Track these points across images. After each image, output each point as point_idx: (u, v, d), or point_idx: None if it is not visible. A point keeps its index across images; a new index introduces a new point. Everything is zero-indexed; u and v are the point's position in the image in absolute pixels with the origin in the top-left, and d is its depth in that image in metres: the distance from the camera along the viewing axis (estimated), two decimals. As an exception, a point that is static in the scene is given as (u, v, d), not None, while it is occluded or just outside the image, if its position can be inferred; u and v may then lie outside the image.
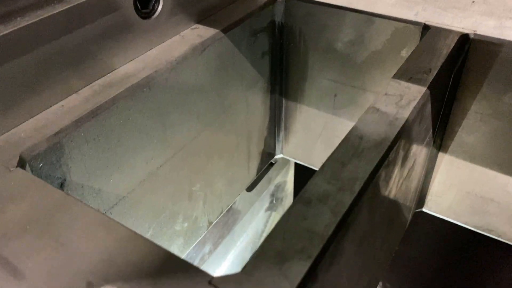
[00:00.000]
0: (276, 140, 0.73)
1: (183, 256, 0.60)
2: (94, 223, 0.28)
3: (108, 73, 0.44)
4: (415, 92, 0.40)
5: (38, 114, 0.39)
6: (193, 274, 0.25)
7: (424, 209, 0.65)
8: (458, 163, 0.58)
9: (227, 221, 0.79)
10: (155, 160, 0.49)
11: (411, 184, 0.49)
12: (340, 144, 0.34)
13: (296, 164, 0.91)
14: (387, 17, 0.53)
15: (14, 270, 0.26)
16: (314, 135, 0.69)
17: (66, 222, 0.28)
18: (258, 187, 0.79)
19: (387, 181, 0.36)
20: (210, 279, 0.24)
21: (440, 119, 0.52)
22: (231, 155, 0.63)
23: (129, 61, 0.45)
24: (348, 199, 0.29)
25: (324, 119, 0.66)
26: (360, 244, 0.34)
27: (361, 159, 0.32)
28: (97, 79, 0.43)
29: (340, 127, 0.65)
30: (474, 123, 0.54)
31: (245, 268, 0.24)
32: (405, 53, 0.54)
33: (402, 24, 0.52)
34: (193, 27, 0.52)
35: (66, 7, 0.38)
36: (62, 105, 0.40)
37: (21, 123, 0.38)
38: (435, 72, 0.42)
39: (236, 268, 0.84)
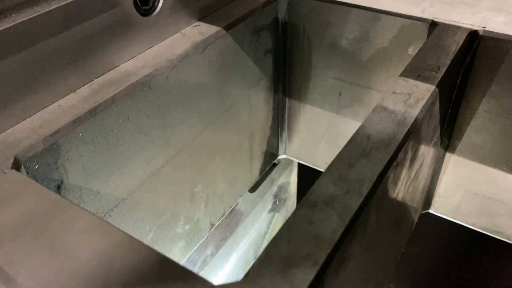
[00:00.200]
0: (279, 140, 0.72)
1: (184, 258, 0.59)
2: (90, 227, 0.27)
3: (107, 72, 0.43)
4: (423, 90, 0.38)
5: (34, 113, 0.38)
6: (193, 282, 0.24)
7: (430, 210, 0.64)
8: (466, 163, 0.57)
9: (230, 222, 0.78)
10: (156, 161, 0.48)
11: (418, 185, 0.48)
12: (347, 144, 0.33)
13: (300, 165, 0.90)
14: (393, 14, 0.52)
15: (6, 278, 0.25)
16: (318, 135, 0.68)
17: (62, 226, 0.27)
18: (261, 188, 0.78)
19: (395, 182, 0.35)
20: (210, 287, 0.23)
21: (448, 118, 0.51)
22: (233, 156, 0.62)
23: (128, 59, 0.45)
24: (355, 203, 0.28)
25: (328, 119, 0.65)
26: (367, 248, 0.33)
27: (369, 159, 0.31)
28: (96, 78, 0.42)
29: (344, 127, 0.64)
30: (482, 122, 0.53)
31: (247, 276, 0.23)
32: (412, 51, 0.53)
33: (408, 21, 0.51)
34: (194, 24, 0.51)
35: (63, 3, 0.37)
36: (60, 105, 0.39)
37: (16, 123, 0.37)
38: (444, 70, 0.41)
39: (239, 271, 0.84)
